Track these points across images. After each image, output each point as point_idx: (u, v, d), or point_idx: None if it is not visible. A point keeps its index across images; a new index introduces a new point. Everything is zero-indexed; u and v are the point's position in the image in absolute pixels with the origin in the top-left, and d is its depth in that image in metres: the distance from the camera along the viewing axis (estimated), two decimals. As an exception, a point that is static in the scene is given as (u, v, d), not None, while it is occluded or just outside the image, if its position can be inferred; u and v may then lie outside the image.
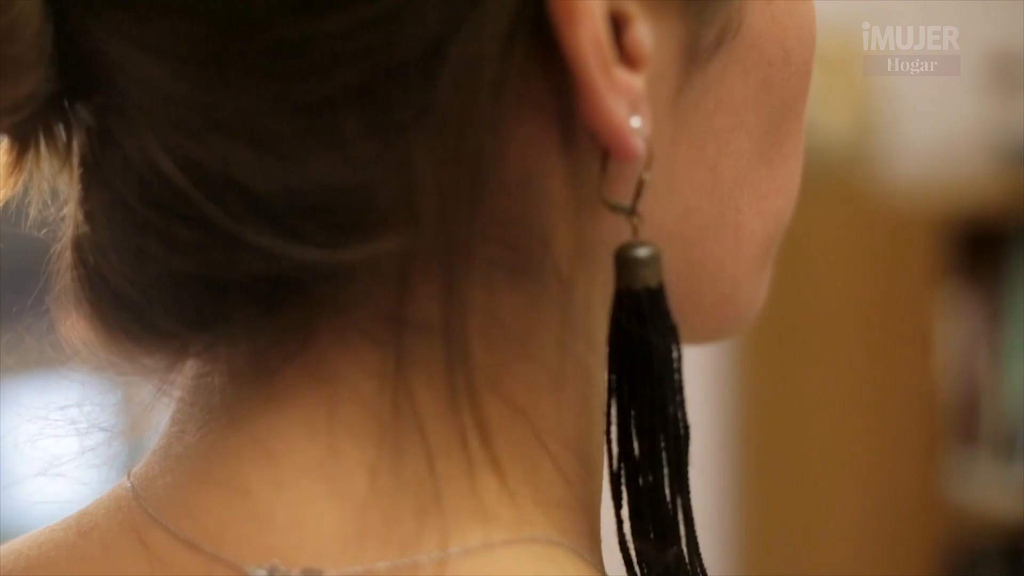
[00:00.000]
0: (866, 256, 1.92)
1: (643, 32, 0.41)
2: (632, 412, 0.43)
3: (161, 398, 0.45)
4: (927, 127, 2.06)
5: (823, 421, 1.98)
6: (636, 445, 0.43)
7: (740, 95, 0.44)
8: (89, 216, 0.43)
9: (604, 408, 0.44)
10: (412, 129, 0.39)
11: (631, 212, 0.42)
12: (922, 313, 1.92)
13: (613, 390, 0.43)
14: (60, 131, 0.43)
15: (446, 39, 0.38)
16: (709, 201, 0.45)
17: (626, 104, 0.40)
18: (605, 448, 0.44)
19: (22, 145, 0.43)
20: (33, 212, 0.45)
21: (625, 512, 0.44)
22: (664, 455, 0.43)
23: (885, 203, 1.95)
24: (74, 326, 0.44)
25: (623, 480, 0.44)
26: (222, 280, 0.41)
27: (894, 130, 2.01)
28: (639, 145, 0.41)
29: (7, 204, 0.45)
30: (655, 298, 0.42)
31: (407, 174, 0.39)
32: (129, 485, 0.44)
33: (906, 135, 2.03)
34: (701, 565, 0.44)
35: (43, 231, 0.45)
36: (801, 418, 1.98)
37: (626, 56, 0.40)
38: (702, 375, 2.03)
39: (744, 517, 2.04)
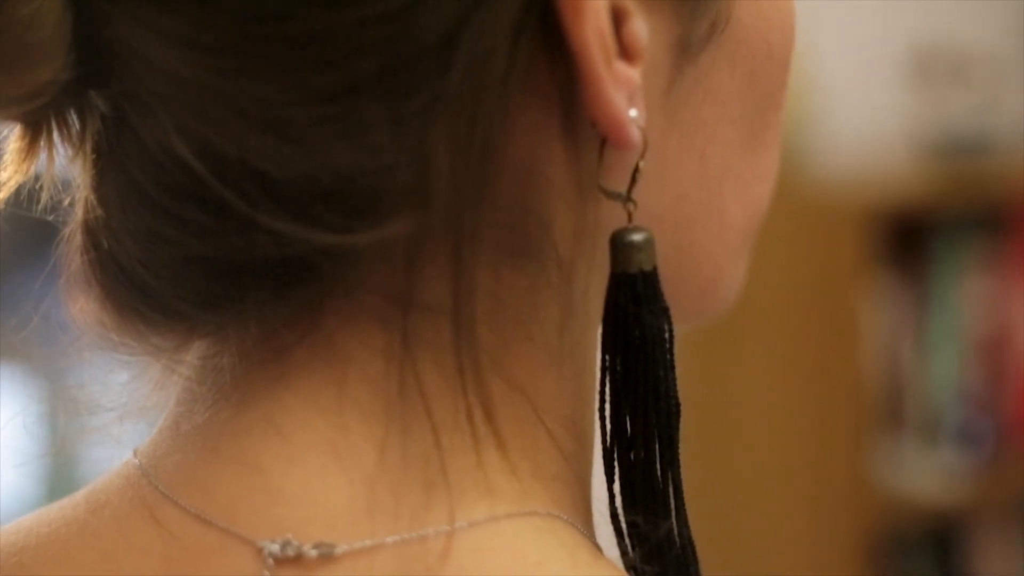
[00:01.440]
0: (794, 247, 1.95)
1: (640, 26, 0.42)
2: (625, 390, 0.45)
3: (170, 376, 0.46)
4: (853, 121, 2.09)
5: (752, 408, 2.01)
6: (628, 422, 0.45)
7: (727, 87, 0.46)
8: (103, 201, 0.43)
9: (597, 386, 0.46)
10: (425, 117, 0.40)
11: (626, 199, 0.44)
12: (849, 303, 1.96)
13: (607, 369, 0.45)
14: (73, 118, 0.44)
15: (459, 31, 0.40)
16: (697, 189, 0.47)
17: (625, 95, 0.42)
18: (597, 424, 0.46)
19: (35, 131, 0.44)
20: (43, 197, 0.46)
21: (617, 487, 0.46)
22: (656, 431, 0.45)
23: (813, 196, 1.97)
24: (84, 308, 0.45)
25: (616, 455, 0.46)
26: (236, 263, 0.42)
27: (821, 124, 2.04)
28: (636, 135, 0.43)
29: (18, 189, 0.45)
30: (649, 280, 0.44)
31: (420, 160, 0.40)
32: (136, 463, 0.45)
33: (832, 129, 2.06)
34: (690, 537, 0.46)
35: (52, 215, 0.46)
36: (731, 405, 2.01)
37: (624, 49, 0.42)
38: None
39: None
